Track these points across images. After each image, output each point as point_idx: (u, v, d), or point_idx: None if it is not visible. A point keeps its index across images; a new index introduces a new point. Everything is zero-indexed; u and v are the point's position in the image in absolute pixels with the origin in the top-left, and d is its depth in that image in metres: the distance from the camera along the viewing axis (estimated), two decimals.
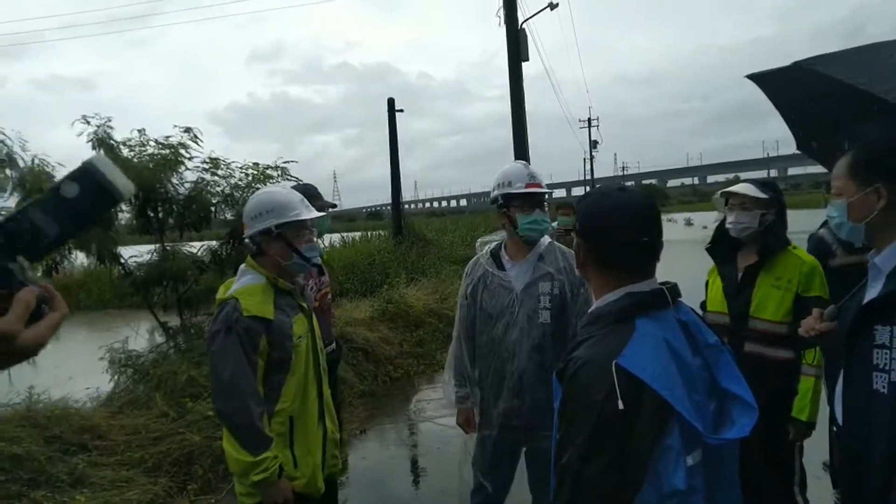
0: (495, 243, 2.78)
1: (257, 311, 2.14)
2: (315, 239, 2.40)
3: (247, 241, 2.32)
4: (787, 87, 1.76)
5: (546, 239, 2.66)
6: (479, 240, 2.93)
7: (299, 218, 2.25)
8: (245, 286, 2.23)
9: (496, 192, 2.60)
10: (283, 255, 2.26)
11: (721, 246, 2.76)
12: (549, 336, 2.53)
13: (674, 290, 1.32)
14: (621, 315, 1.26)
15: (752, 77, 1.70)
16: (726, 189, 2.68)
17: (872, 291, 1.62)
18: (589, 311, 1.38)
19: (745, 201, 2.58)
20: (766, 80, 1.74)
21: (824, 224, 3.58)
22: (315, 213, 2.34)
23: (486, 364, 2.66)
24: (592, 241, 1.35)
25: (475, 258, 2.79)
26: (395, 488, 4.35)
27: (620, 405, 1.11)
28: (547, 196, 2.62)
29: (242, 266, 2.32)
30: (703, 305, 2.81)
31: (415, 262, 11.99)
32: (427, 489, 4.33)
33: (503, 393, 2.59)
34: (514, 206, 2.56)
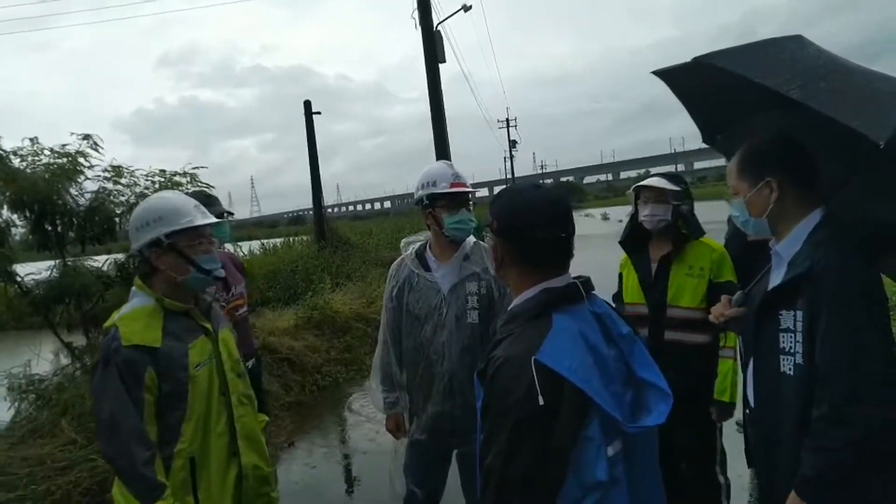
0: (419, 244, 2.74)
1: (139, 340, 1.87)
2: (215, 249, 2.13)
3: (132, 257, 2.10)
4: (690, 81, 1.82)
5: (471, 239, 2.65)
6: (404, 240, 2.88)
7: (193, 224, 1.98)
8: (129, 311, 1.95)
9: (421, 193, 2.56)
10: (177, 269, 1.98)
11: (632, 238, 2.84)
12: (477, 336, 2.52)
13: (587, 283, 1.34)
14: (538, 311, 1.27)
15: (657, 73, 1.74)
16: (640, 183, 2.75)
17: (776, 277, 1.69)
18: (508, 309, 1.39)
19: (660, 194, 2.66)
20: (671, 76, 1.79)
21: None
22: (212, 219, 2.09)
23: (414, 367, 2.62)
24: (512, 239, 1.34)
25: (400, 259, 2.74)
26: (330, 500, 4.24)
27: (541, 401, 1.12)
28: (472, 195, 2.60)
29: (133, 288, 2.04)
30: (616, 298, 2.88)
31: (339, 267, 11.79)
32: (360, 499, 4.25)
33: (433, 396, 2.55)
34: (440, 206, 2.52)
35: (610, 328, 1.32)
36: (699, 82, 1.77)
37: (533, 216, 1.32)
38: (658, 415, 1.23)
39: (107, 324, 1.98)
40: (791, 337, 1.57)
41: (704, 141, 2.06)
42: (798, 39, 1.60)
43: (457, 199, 2.53)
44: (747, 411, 1.89)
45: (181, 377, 1.93)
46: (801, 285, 1.55)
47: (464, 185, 2.55)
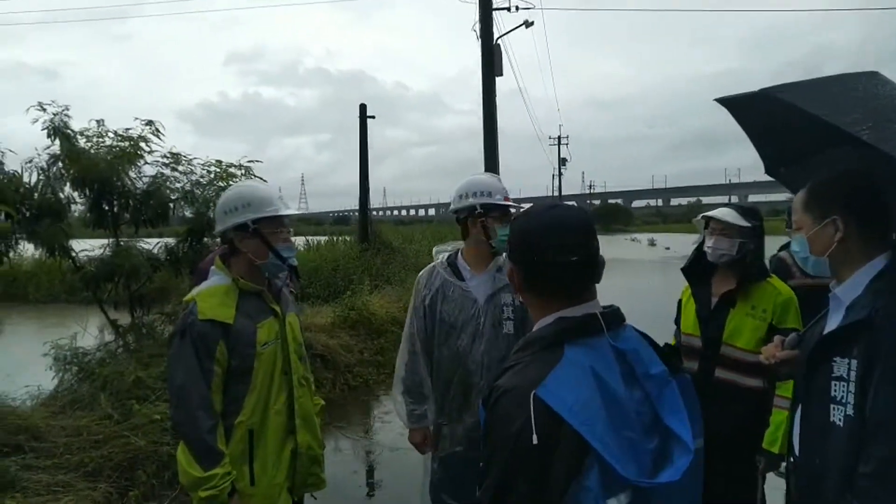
0: (448, 253, 2.73)
1: (214, 315, 2.00)
2: (292, 239, 2.26)
3: (214, 238, 2.23)
4: (755, 112, 1.75)
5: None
6: (436, 248, 2.88)
7: (278, 213, 2.13)
8: (208, 287, 2.09)
9: (473, 201, 2.53)
10: (258, 253, 2.11)
11: (697, 268, 2.71)
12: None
13: (612, 314, 1.22)
14: (550, 341, 1.17)
15: (721, 100, 1.68)
16: (708, 213, 2.63)
17: (833, 322, 1.61)
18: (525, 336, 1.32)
19: (726, 228, 2.53)
20: (736, 105, 1.73)
21: (785, 246, 3.67)
22: (293, 211, 2.24)
23: (449, 377, 2.57)
24: (522, 263, 1.25)
25: (430, 267, 2.70)
26: (351, 501, 4.25)
27: (535, 440, 1.04)
28: (517, 210, 2.59)
29: (213, 266, 2.19)
30: (677, 322, 2.77)
31: (380, 270, 11.87)
32: (383, 500, 4.25)
33: (472, 406, 2.51)
34: (493, 216, 2.52)
35: (634, 367, 1.17)
36: (765, 113, 1.70)
37: (542, 238, 1.21)
38: (674, 470, 1.10)
39: (187, 298, 2.11)
40: (844, 386, 1.49)
41: (767, 172, 1.97)
42: (873, 76, 1.52)
43: (507, 213, 2.55)
44: (791, 459, 1.79)
45: (249, 353, 2.06)
46: (859, 333, 1.47)
47: (508, 199, 2.58)
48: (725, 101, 1.69)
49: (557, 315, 1.21)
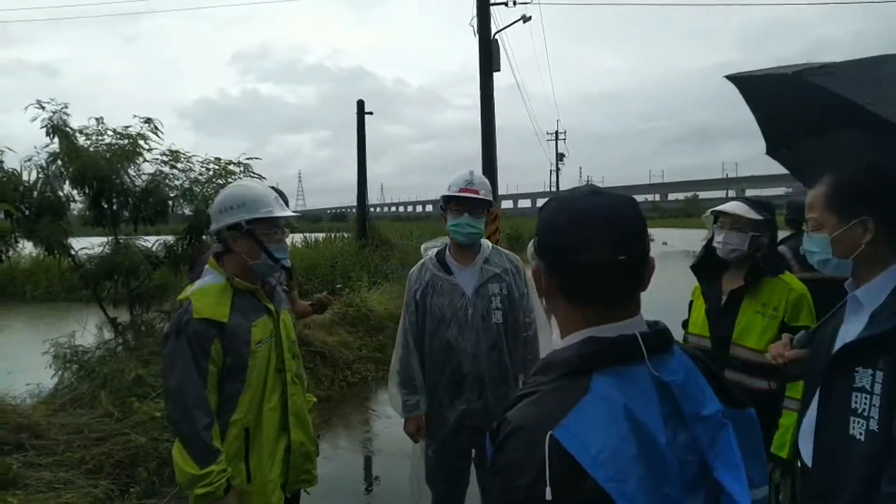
0: (437, 248, 2.82)
1: (209, 314, 2.02)
2: (286, 240, 2.27)
3: (210, 236, 2.24)
4: (768, 91, 1.68)
5: (488, 243, 2.76)
6: (424, 245, 2.96)
7: (272, 215, 2.13)
8: (202, 286, 2.11)
9: (442, 195, 2.68)
10: (250, 253, 2.13)
11: (706, 265, 2.62)
12: (503, 335, 2.65)
13: (657, 336, 0.98)
14: (575, 367, 0.94)
15: (731, 78, 1.61)
16: (718, 207, 2.54)
17: (852, 328, 1.52)
18: (545, 356, 1.09)
19: (737, 221, 2.43)
20: (747, 82, 1.65)
21: (783, 241, 3.69)
22: (288, 212, 2.23)
23: (440, 367, 2.67)
24: (552, 262, 1.01)
25: (420, 263, 2.81)
26: (349, 496, 4.27)
27: (548, 495, 0.83)
28: (476, 202, 2.60)
29: (207, 265, 2.20)
30: (685, 325, 2.71)
31: (378, 266, 11.87)
32: (382, 496, 4.27)
33: (463, 394, 2.62)
34: (449, 208, 2.64)
35: (682, 405, 0.94)
36: (778, 93, 1.62)
37: (580, 230, 0.96)
38: None
39: (181, 296, 2.13)
40: (867, 399, 1.39)
41: (768, 152, 1.90)
42: None
43: (462, 204, 2.61)
44: (798, 463, 1.71)
45: (243, 352, 2.08)
46: (885, 343, 1.37)
47: (474, 191, 2.60)
48: (737, 79, 1.62)
49: (588, 333, 0.98)
